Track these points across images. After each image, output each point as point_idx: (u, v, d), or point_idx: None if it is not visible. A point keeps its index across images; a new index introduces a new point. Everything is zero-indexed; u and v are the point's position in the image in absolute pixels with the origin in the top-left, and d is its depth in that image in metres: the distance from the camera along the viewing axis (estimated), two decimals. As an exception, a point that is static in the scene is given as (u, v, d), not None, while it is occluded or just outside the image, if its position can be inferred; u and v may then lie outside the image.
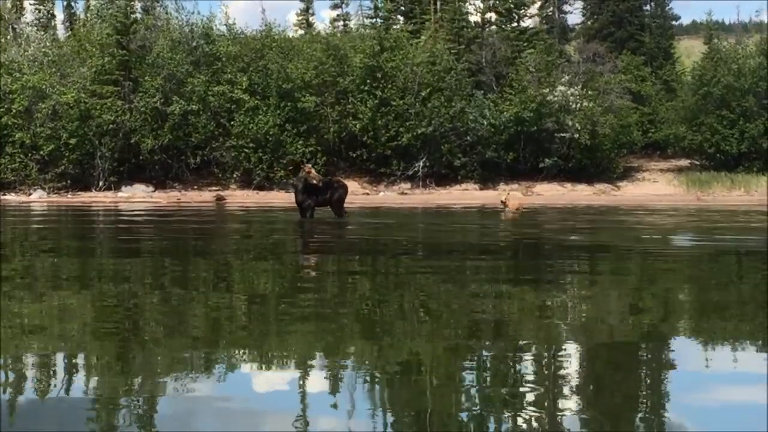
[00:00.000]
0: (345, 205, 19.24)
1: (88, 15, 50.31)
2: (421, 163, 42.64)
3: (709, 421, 4.08)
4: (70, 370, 4.89)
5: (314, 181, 18.44)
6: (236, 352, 5.42)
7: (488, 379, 4.74)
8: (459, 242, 14.88)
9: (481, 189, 42.05)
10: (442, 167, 43.04)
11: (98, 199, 37.53)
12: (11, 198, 37.87)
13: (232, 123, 41.33)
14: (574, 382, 4.71)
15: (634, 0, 56.57)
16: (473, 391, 4.50)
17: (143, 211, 27.11)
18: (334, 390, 4.47)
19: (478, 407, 4.18)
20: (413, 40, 46.08)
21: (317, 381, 4.72)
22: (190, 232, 17.49)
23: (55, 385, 4.50)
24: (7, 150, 39.87)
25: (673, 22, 62.07)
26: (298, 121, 41.57)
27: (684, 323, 6.71)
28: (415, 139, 41.93)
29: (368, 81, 42.48)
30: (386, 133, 42.14)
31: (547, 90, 44.02)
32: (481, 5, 50.05)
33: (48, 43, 45.07)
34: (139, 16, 45.22)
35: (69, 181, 40.17)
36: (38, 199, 38.08)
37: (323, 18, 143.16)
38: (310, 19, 56.67)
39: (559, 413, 4.16)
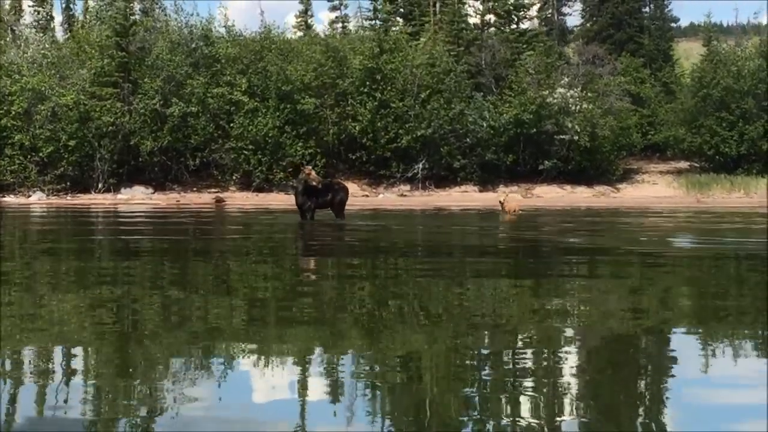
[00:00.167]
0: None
1: (87, 17, 50.30)
2: (420, 165, 42.65)
3: (709, 421, 4.07)
4: (67, 378, 4.86)
5: (314, 183, 18.46)
6: (235, 356, 5.40)
7: (488, 380, 4.72)
8: (457, 244, 14.88)
9: (480, 191, 42.06)
10: (442, 169, 43.05)
11: (97, 201, 37.51)
12: (10, 200, 37.80)
13: (231, 125, 41.28)
14: (574, 382, 4.70)
15: (634, 2, 56.68)
16: (473, 391, 4.48)
17: (142, 212, 27.09)
18: (334, 398, 4.43)
19: (477, 410, 4.17)
20: (412, 42, 46.08)
21: (317, 387, 4.69)
22: (189, 233, 17.48)
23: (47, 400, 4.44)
24: (7, 152, 39.77)
25: (672, 24, 62.23)
26: (298, 123, 41.54)
27: (684, 324, 6.69)
28: (414, 141, 41.93)
29: (368, 83, 42.47)
30: (386, 135, 42.14)
31: (547, 92, 44.01)
32: (481, 7, 50.08)
33: (47, 45, 44.95)
34: (138, 17, 45.16)
35: (68, 183, 40.08)
36: (37, 201, 38.02)
37: (321, 20, 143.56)
38: (309, 21, 56.66)
39: (559, 413, 4.15)
